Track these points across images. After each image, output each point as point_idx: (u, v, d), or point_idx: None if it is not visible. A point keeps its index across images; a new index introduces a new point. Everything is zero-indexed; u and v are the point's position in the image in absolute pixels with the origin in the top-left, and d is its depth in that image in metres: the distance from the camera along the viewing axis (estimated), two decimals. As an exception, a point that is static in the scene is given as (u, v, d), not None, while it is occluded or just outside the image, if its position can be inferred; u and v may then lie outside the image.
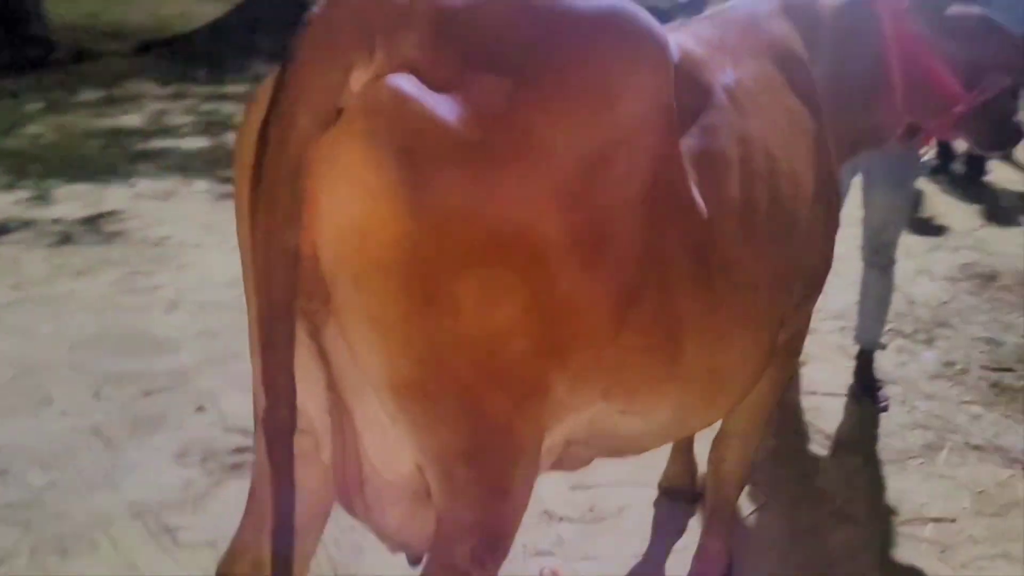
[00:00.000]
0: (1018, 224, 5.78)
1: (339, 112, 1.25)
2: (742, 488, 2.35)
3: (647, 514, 2.80)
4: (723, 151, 1.67)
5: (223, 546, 1.64)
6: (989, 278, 4.86)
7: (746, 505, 2.84)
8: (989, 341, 4.13)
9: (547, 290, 1.35)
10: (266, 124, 1.24)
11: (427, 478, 1.51)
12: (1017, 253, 5.24)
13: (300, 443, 1.47)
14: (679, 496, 2.82)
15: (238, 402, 3.21)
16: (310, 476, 1.58)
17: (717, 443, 2.31)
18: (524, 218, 1.30)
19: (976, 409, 3.57)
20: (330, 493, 1.61)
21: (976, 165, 6.60)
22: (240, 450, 2.99)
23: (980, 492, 3.03)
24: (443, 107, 1.24)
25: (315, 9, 1.25)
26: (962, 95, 2.20)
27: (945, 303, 4.52)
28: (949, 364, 3.91)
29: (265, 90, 1.35)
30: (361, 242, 1.26)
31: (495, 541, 1.59)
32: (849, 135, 2.15)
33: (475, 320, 1.33)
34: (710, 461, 2.35)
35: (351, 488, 1.55)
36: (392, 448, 1.49)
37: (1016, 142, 2.39)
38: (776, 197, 1.79)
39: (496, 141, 1.27)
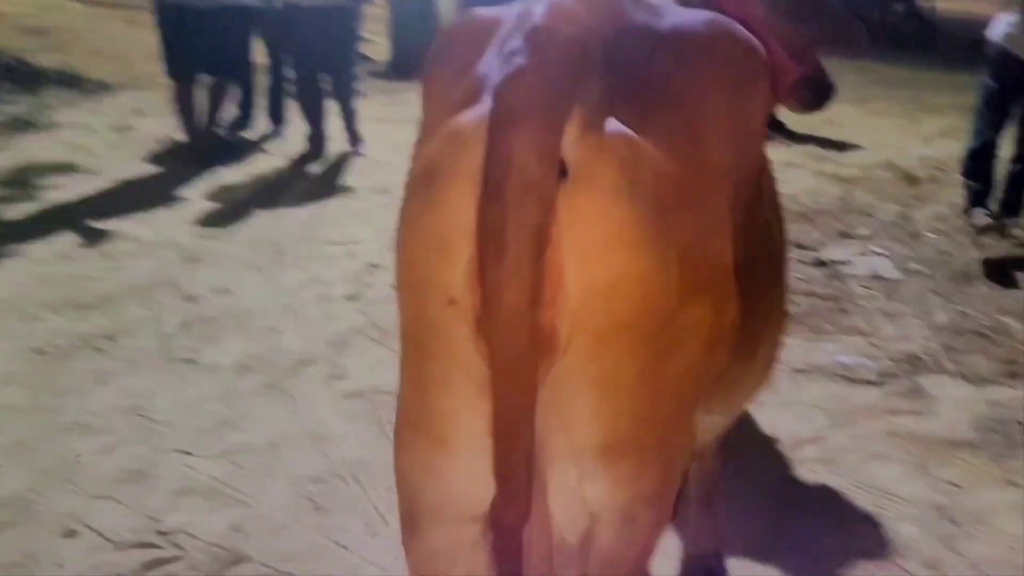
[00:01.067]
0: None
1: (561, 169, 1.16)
2: (717, 474, 2.53)
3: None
4: None
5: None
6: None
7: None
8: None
9: (727, 315, 1.39)
10: (494, 194, 1.12)
11: (600, 528, 1.47)
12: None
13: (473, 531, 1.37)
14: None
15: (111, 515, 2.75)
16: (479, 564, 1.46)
17: None
18: (721, 248, 1.32)
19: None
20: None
21: None
22: (150, 565, 2.56)
23: (827, 408, 3.52)
24: (655, 150, 1.22)
25: (520, 55, 1.15)
26: (793, 67, 2.49)
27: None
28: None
29: (450, 155, 1.20)
30: (609, 302, 1.19)
31: (645, 568, 1.60)
32: None
33: (681, 361, 1.32)
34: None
35: (540, 564, 1.45)
36: (577, 510, 1.43)
37: (831, 96, 2.74)
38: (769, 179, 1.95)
39: (694, 176, 1.27)
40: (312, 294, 4.37)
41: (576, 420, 1.30)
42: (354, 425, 3.26)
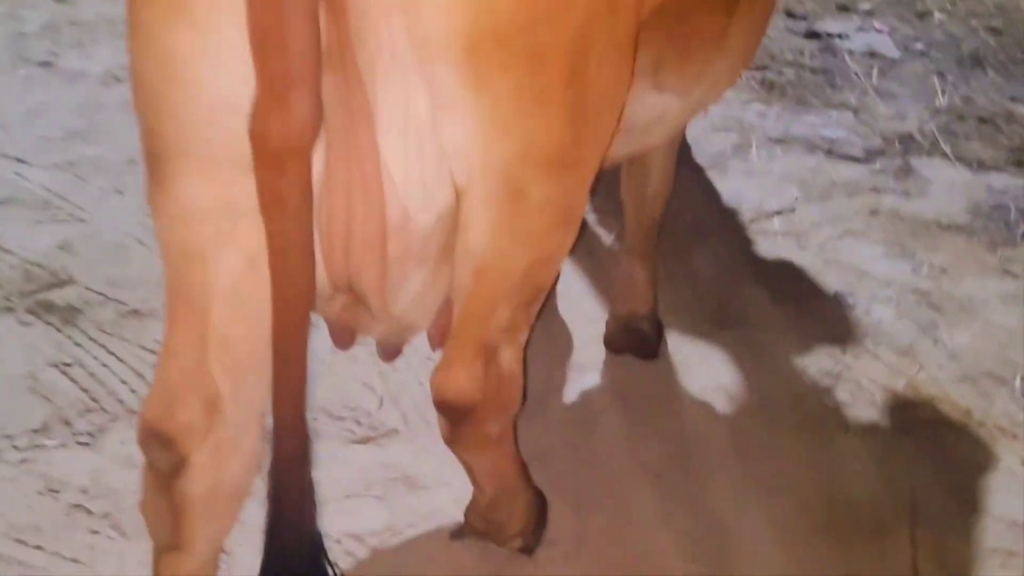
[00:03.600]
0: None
1: None
2: (666, 204, 2.01)
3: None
4: None
5: None
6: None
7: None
8: (738, 43, 4.12)
9: None
10: None
11: (470, 214, 0.95)
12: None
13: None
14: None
15: None
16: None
17: (639, 163, 1.91)
18: None
19: (758, 107, 3.54)
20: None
21: None
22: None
23: (800, 181, 3.02)
24: None
25: None
26: None
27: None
28: (715, 68, 3.83)
29: None
30: None
31: (538, 296, 1.11)
32: None
33: None
34: (631, 180, 1.95)
35: (362, 244, 0.93)
36: (431, 170, 0.89)
37: None
38: None
39: None
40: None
41: None
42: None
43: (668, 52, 1.18)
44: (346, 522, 1.66)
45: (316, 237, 0.93)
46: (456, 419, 1.16)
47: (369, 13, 0.78)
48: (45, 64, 3.05)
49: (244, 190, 0.83)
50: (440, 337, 1.22)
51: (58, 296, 2.05)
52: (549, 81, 0.85)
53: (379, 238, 0.92)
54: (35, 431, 1.74)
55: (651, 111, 1.28)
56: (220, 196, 0.85)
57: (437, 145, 0.87)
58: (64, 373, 1.87)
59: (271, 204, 0.79)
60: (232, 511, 1.03)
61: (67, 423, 1.77)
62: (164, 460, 0.96)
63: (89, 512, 1.60)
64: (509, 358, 1.17)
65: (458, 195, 0.94)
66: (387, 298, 0.99)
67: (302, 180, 0.78)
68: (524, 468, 1.50)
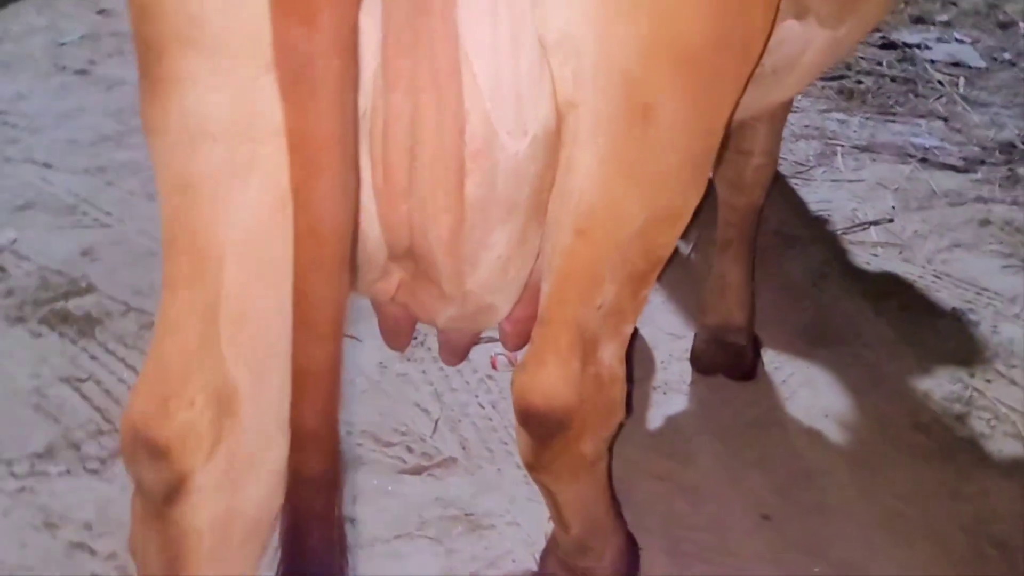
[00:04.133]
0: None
1: None
2: (767, 191, 1.74)
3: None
4: None
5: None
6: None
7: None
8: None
9: None
10: None
11: (576, 144, 0.69)
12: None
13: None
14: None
15: None
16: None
17: (741, 138, 1.64)
18: None
19: (838, 115, 3.28)
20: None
21: None
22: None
23: (896, 189, 2.73)
24: None
25: None
26: None
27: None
28: (788, 77, 3.56)
29: None
30: None
31: (652, 270, 0.84)
32: None
33: None
34: (729, 163, 1.68)
35: (432, 177, 0.67)
36: (529, 72, 0.63)
37: None
38: None
39: None
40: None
41: None
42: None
43: None
44: (395, 568, 1.39)
45: (368, 167, 0.68)
46: (544, 434, 0.89)
47: None
48: (82, 72, 2.90)
49: (271, 95, 0.59)
50: (516, 334, 0.96)
51: (76, 305, 1.83)
52: None
53: (456, 169, 0.65)
54: (37, 455, 1.50)
55: (789, 45, 1.01)
56: (238, 104, 0.60)
57: (537, 33, 0.62)
58: (75, 390, 1.63)
59: (294, 82, 0.54)
60: (250, 553, 0.75)
61: (74, 447, 1.53)
62: (156, 479, 0.69)
63: (92, 552, 1.34)
64: (611, 356, 0.90)
65: (561, 117, 0.68)
66: (462, 262, 0.73)
67: (343, 43, 0.52)
68: (617, 504, 1.22)
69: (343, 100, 0.56)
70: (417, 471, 1.55)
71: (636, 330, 1.95)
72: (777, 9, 0.79)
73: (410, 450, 1.60)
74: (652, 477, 1.64)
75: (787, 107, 1.68)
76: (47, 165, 2.32)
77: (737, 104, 0.84)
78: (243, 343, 0.69)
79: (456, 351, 1.05)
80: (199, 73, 0.62)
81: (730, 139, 1.67)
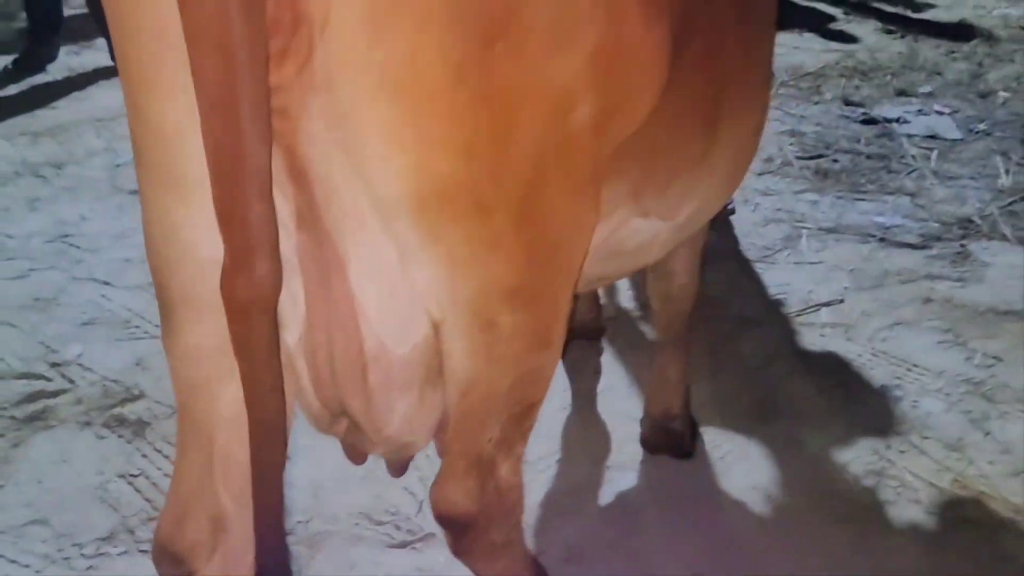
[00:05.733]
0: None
1: None
2: (695, 301, 2.06)
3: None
4: None
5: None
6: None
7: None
8: (792, 133, 4.16)
9: (613, 35, 0.92)
10: None
11: (449, 343, 1.04)
12: (778, 52, 5.36)
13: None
14: (587, 335, 2.51)
15: (4, 341, 2.43)
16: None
17: (665, 261, 1.98)
18: None
19: (811, 196, 3.56)
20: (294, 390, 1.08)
21: None
22: (31, 398, 2.24)
23: (851, 270, 3.01)
24: None
25: None
26: None
27: (739, 106, 4.50)
28: (769, 160, 3.87)
29: None
30: None
31: (528, 411, 1.18)
32: None
33: (542, 68, 0.86)
34: (657, 280, 2.02)
35: (345, 376, 1.03)
36: (404, 308, 1.00)
37: None
38: None
39: None
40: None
41: (369, 150, 0.85)
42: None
43: (646, 180, 1.26)
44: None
45: (306, 370, 1.04)
46: (457, 531, 1.23)
47: (332, 181, 0.89)
48: (134, 192, 3.33)
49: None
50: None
51: (130, 410, 2.22)
52: (499, 229, 0.94)
53: (360, 370, 1.02)
54: (102, 539, 1.88)
55: (640, 235, 1.36)
56: (218, 338, 0.97)
57: (408, 286, 0.98)
58: (130, 484, 2.02)
59: (242, 351, 0.90)
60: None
61: (131, 531, 1.90)
62: (176, 575, 1.07)
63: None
64: (507, 470, 1.23)
65: (434, 327, 1.04)
66: (377, 423, 1.09)
67: (268, 331, 0.89)
68: (540, 569, 1.54)
69: (271, 354, 0.91)
70: (402, 545, 1.90)
71: (596, 413, 2.29)
72: (585, 255, 1.13)
73: (398, 527, 1.94)
74: (603, 545, 1.96)
75: (704, 231, 2.00)
76: (106, 283, 2.75)
77: (575, 285, 1.18)
78: (230, 483, 1.05)
79: (397, 468, 1.40)
80: (194, 321, 0.99)
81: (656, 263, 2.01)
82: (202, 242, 0.92)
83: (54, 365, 2.37)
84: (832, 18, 6.16)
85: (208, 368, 1.01)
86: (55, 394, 2.26)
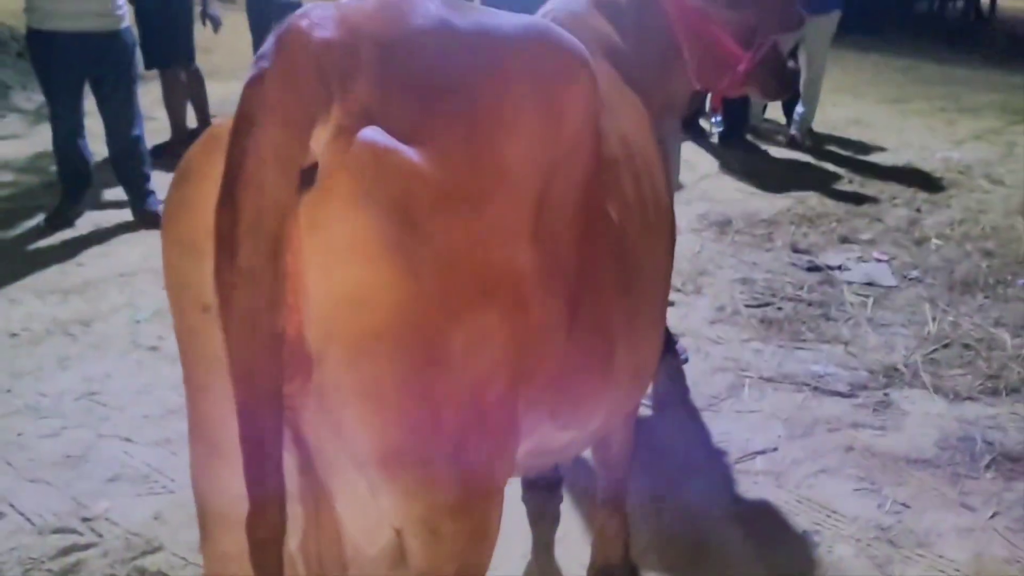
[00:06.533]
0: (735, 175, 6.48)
1: (305, 173, 1.12)
2: (630, 464, 2.45)
3: (519, 510, 2.82)
4: (613, 153, 1.72)
5: None
6: (724, 224, 5.41)
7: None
8: (744, 281, 4.61)
9: (523, 321, 1.34)
10: (227, 197, 1.08)
11: (407, 541, 1.43)
12: (738, 199, 5.89)
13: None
14: (547, 486, 2.88)
15: (40, 498, 2.79)
16: None
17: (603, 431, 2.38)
18: (507, 255, 1.27)
19: (756, 344, 3.97)
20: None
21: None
22: (65, 551, 2.59)
23: (786, 419, 3.40)
24: (415, 154, 1.16)
25: (266, 59, 1.11)
26: (742, 54, 2.37)
27: (698, 253, 4.98)
28: (720, 308, 4.31)
29: (204, 157, 1.18)
30: (357, 312, 1.15)
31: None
32: (654, 110, 2.24)
33: (466, 371, 1.28)
34: (595, 451, 2.41)
35: (332, 572, 1.42)
36: (374, 521, 1.39)
37: (795, 83, 2.66)
38: (651, 188, 1.87)
39: (469, 180, 1.21)
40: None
41: (348, 430, 1.27)
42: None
43: (560, 404, 1.66)
44: None
45: (303, 568, 1.43)
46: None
47: (322, 444, 1.30)
48: (153, 348, 3.74)
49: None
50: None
51: (150, 562, 2.57)
52: (439, 473, 1.33)
53: (342, 567, 1.40)
54: None
55: (562, 440, 1.76)
56: (242, 547, 1.35)
57: (376, 508, 1.37)
58: (151, 632, 2.37)
59: (259, 569, 1.29)
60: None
61: (149, 675, 2.24)
62: None
63: None
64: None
65: (397, 532, 1.42)
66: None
67: (277, 555, 1.27)
68: None
69: (279, 570, 1.30)
70: None
71: (554, 560, 2.64)
72: (512, 467, 1.53)
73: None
74: None
75: (635, 410, 2.41)
76: (128, 440, 3.13)
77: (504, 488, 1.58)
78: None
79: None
80: (224, 532, 1.38)
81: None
82: (233, 486, 1.32)
83: (85, 520, 2.73)
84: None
85: (235, 569, 1.40)
86: (86, 547, 2.62)
